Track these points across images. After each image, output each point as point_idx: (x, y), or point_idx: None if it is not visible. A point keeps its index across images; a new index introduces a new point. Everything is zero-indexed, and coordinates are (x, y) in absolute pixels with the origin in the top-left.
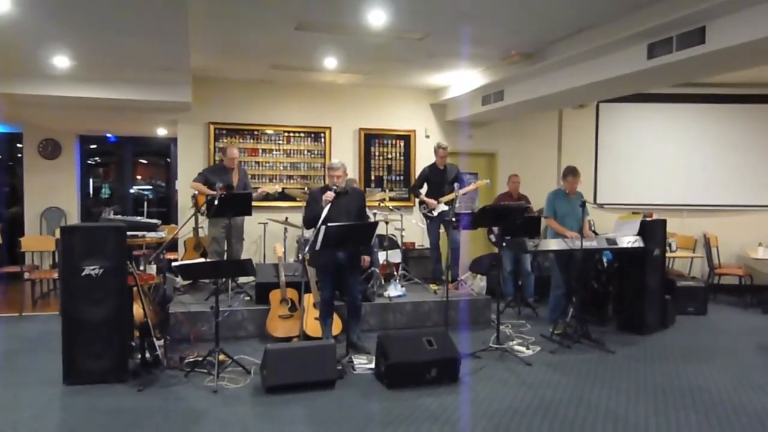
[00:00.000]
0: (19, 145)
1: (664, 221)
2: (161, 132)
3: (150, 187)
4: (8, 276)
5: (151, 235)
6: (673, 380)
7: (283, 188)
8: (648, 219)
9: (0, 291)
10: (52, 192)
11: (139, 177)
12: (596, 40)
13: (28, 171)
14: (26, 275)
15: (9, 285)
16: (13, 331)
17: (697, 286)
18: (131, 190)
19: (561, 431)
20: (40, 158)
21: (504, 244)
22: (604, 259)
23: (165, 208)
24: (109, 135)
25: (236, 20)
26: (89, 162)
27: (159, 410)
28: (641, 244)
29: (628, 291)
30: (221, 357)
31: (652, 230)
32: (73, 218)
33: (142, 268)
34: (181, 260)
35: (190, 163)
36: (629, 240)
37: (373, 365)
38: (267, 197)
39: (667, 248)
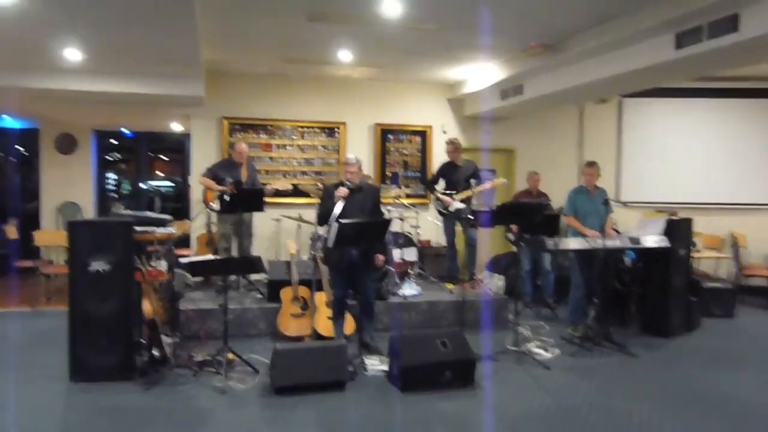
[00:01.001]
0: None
1: (690, 220)
2: (176, 127)
3: (170, 183)
4: (23, 270)
5: (161, 231)
6: (700, 386)
7: (294, 184)
8: (673, 218)
9: (14, 285)
10: (69, 187)
11: (160, 173)
12: (620, 30)
13: (45, 166)
14: (40, 270)
15: (23, 279)
16: (25, 326)
17: (724, 288)
18: (144, 186)
19: None
20: (57, 153)
21: (522, 243)
22: (627, 259)
23: (180, 204)
24: (124, 130)
25: (247, 11)
26: (108, 158)
27: (164, 410)
28: (666, 244)
29: (651, 292)
30: (230, 356)
31: (678, 229)
32: (89, 213)
33: (153, 263)
34: (194, 256)
35: (203, 159)
36: (653, 239)
37: (385, 367)
38: (279, 193)
39: (693, 248)
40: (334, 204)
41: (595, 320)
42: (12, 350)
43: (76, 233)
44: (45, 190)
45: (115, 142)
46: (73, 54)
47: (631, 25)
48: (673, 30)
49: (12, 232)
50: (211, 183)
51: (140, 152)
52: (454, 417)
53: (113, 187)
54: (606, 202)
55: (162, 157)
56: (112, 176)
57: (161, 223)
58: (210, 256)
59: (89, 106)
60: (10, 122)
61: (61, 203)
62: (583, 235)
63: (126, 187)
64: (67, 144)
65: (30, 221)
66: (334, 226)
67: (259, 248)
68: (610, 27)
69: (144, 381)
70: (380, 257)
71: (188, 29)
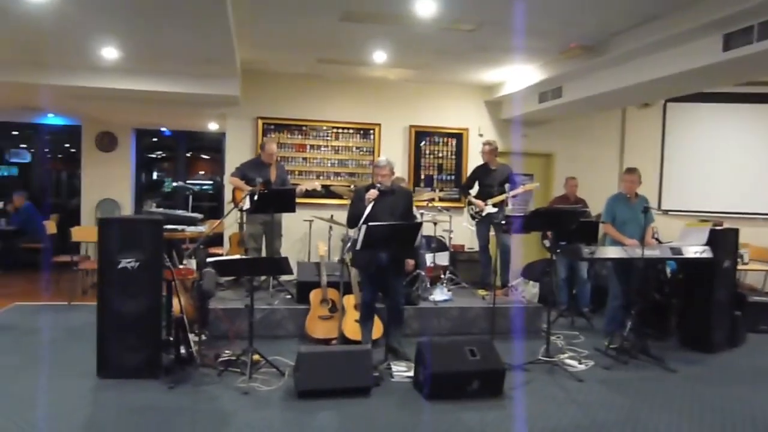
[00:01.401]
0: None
1: (736, 230)
2: (212, 127)
3: (209, 181)
4: (61, 265)
5: (191, 229)
6: (742, 406)
7: (327, 185)
8: (718, 227)
9: (52, 280)
10: (108, 184)
11: (202, 172)
12: (664, 31)
13: (86, 163)
14: (77, 265)
15: (61, 274)
16: (60, 320)
17: None
18: (179, 184)
19: None
20: (97, 151)
21: (558, 250)
22: (668, 269)
23: (216, 203)
24: (163, 129)
25: (280, 11)
26: (151, 156)
27: (187, 410)
28: (709, 255)
29: (693, 304)
30: (255, 357)
31: (723, 240)
32: (127, 210)
33: (185, 262)
34: (226, 255)
35: (238, 158)
36: (696, 250)
37: (412, 373)
38: (308, 194)
39: (739, 260)
40: (365, 206)
41: (633, 332)
42: (45, 343)
43: (105, 230)
44: (85, 186)
45: (158, 141)
46: (110, 53)
47: (675, 25)
48: (720, 31)
49: (52, 227)
50: (240, 183)
51: (178, 151)
52: (480, 428)
53: (154, 185)
54: (646, 210)
55: (203, 156)
56: (153, 174)
57: (191, 222)
58: (238, 256)
59: (129, 104)
60: (54, 119)
61: (100, 200)
62: (622, 244)
63: (169, 186)
64: (107, 142)
65: (71, 217)
66: (363, 228)
67: (290, 249)
68: (654, 28)
69: (169, 380)
70: (410, 262)
71: (222, 29)
